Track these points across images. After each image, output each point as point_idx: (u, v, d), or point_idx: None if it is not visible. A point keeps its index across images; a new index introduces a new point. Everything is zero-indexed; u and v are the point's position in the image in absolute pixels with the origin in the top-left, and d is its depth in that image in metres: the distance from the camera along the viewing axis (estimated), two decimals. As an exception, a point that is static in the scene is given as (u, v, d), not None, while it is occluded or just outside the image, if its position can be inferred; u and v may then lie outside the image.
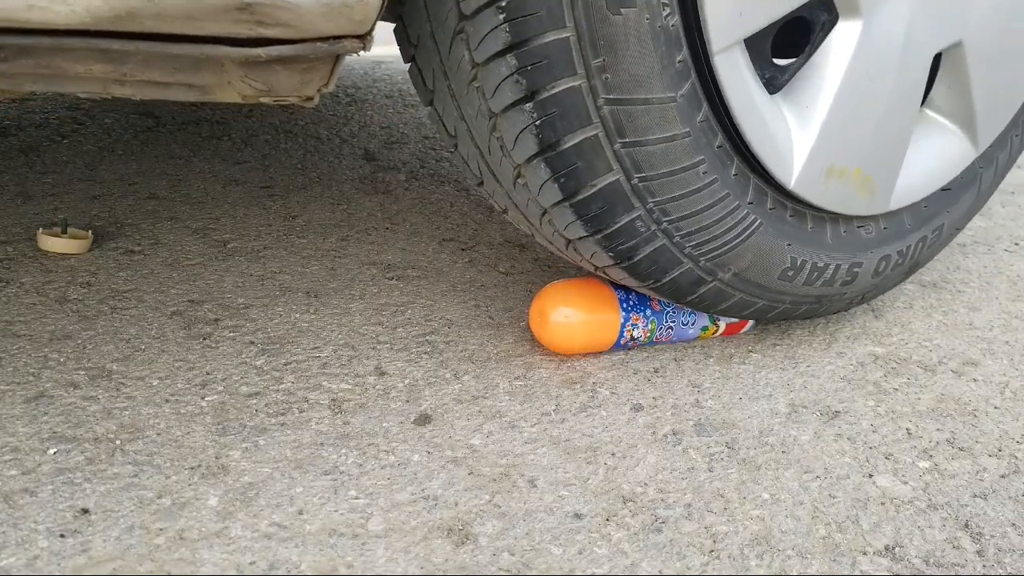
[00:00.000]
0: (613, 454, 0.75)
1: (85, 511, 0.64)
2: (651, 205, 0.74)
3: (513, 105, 0.68)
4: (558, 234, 0.79)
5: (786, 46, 0.84)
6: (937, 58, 0.87)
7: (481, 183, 0.83)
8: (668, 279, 0.81)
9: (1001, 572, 0.65)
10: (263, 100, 0.67)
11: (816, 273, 0.88)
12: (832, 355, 0.95)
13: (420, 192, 1.37)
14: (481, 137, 0.75)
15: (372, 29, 0.61)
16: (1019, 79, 0.93)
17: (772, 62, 0.79)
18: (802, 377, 0.90)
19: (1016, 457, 0.79)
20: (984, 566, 0.65)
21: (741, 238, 0.80)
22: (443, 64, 0.73)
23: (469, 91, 0.71)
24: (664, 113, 0.70)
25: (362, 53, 0.72)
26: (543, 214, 0.77)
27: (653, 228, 0.75)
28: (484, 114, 0.72)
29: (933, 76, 0.90)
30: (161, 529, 0.63)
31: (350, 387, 0.82)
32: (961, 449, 0.80)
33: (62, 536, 0.61)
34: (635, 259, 0.78)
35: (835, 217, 0.87)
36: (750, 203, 0.79)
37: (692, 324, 0.93)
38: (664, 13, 0.66)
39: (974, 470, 0.77)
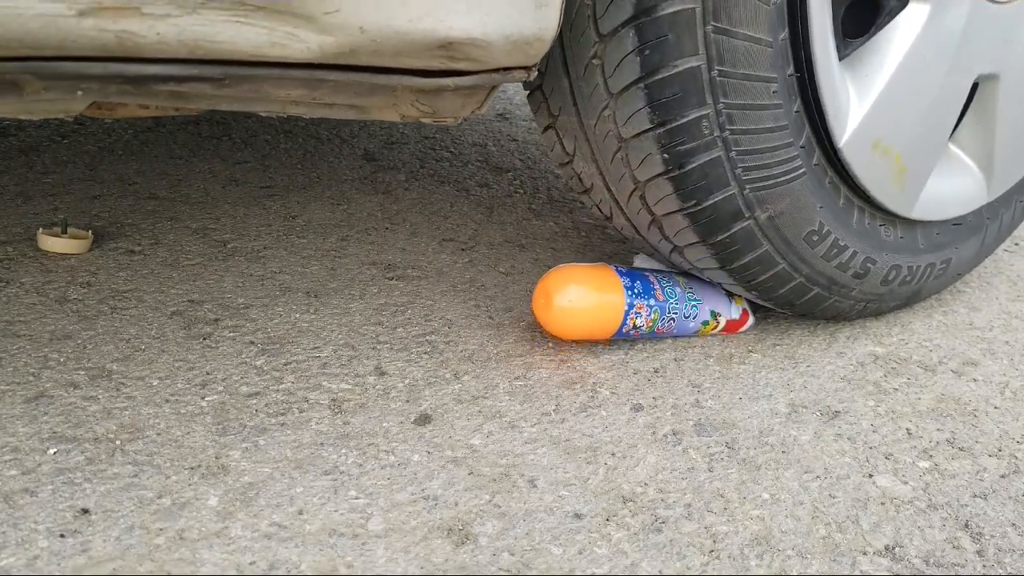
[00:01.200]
0: (613, 454, 0.75)
1: (85, 511, 0.64)
2: (721, 106, 0.74)
3: None
4: (613, 135, 0.79)
5: (851, 31, 0.88)
6: (972, 91, 0.92)
7: (540, 84, 0.83)
8: (711, 202, 0.79)
9: (1001, 572, 0.65)
10: (423, 120, 0.71)
11: (836, 250, 0.89)
12: (832, 355, 0.95)
13: (420, 192, 1.37)
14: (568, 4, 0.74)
15: (539, 62, 0.66)
16: None
17: (841, 35, 0.82)
18: (802, 377, 0.90)
19: (1016, 457, 0.79)
20: (984, 566, 0.65)
21: (786, 178, 0.81)
22: None
23: None
24: (757, 12, 0.72)
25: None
26: (605, 107, 0.77)
27: (715, 134, 0.76)
28: None
29: (964, 111, 0.94)
30: (161, 529, 0.63)
31: (350, 387, 0.82)
32: (961, 449, 0.80)
33: (62, 536, 0.61)
34: (687, 168, 0.77)
35: (863, 206, 0.90)
36: (802, 147, 0.81)
37: (693, 317, 0.93)
38: None
39: (974, 470, 0.77)
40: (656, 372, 0.89)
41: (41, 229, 1.06)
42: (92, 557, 0.60)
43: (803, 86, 0.79)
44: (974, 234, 1.03)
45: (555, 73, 0.80)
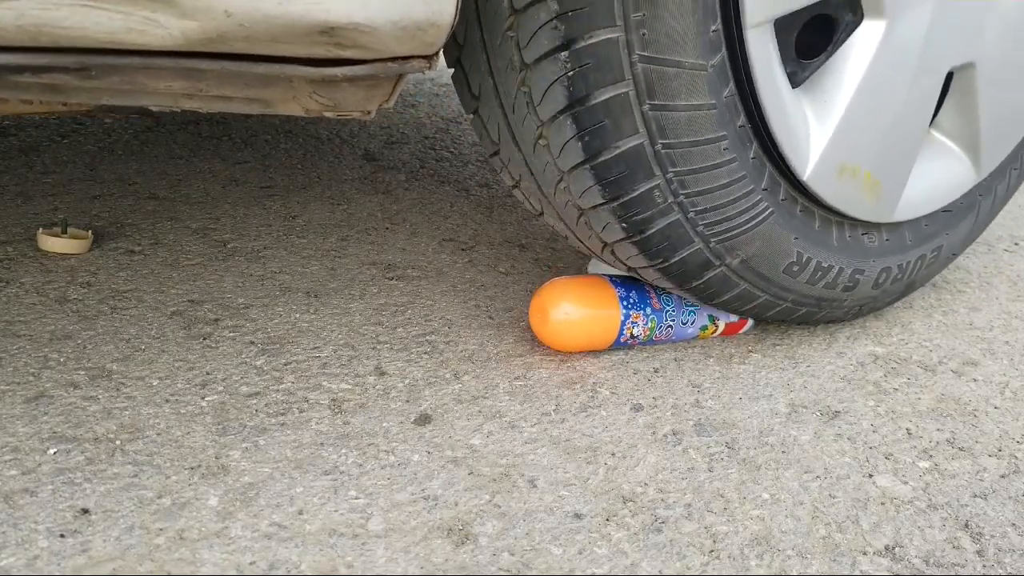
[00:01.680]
0: (613, 454, 0.75)
1: (85, 511, 0.64)
2: (671, 175, 0.74)
3: (547, 55, 0.68)
4: (572, 204, 0.79)
5: (807, 49, 0.85)
6: (948, 80, 0.88)
7: (497, 152, 0.83)
8: (678, 258, 0.80)
9: (1001, 572, 0.65)
10: (326, 114, 0.68)
11: (820, 273, 0.88)
12: (832, 355, 0.95)
13: (420, 192, 1.37)
14: (507, 93, 0.74)
15: (439, 51, 0.62)
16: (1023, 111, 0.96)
17: (795, 59, 0.80)
18: (802, 377, 0.90)
19: (1016, 457, 0.79)
20: (984, 566, 0.65)
21: (753, 223, 0.80)
22: (478, 14, 0.73)
23: (503, 41, 0.71)
24: (694, 80, 0.70)
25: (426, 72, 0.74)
26: (559, 180, 0.77)
27: (670, 200, 0.75)
28: (515, 67, 0.71)
29: (942, 99, 0.91)
30: (161, 529, 0.63)
31: (350, 387, 0.82)
32: (961, 449, 0.80)
33: (62, 536, 0.61)
34: (648, 233, 0.78)
35: (841, 221, 0.88)
36: (764, 189, 0.80)
37: (691, 323, 0.93)
38: None
39: (974, 470, 0.77)
40: (656, 372, 0.89)
41: (41, 229, 1.06)
42: (92, 557, 0.60)
43: (757, 132, 0.77)
44: (966, 215, 1.01)
45: (508, 146, 0.81)
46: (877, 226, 0.92)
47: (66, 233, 1.06)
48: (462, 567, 0.62)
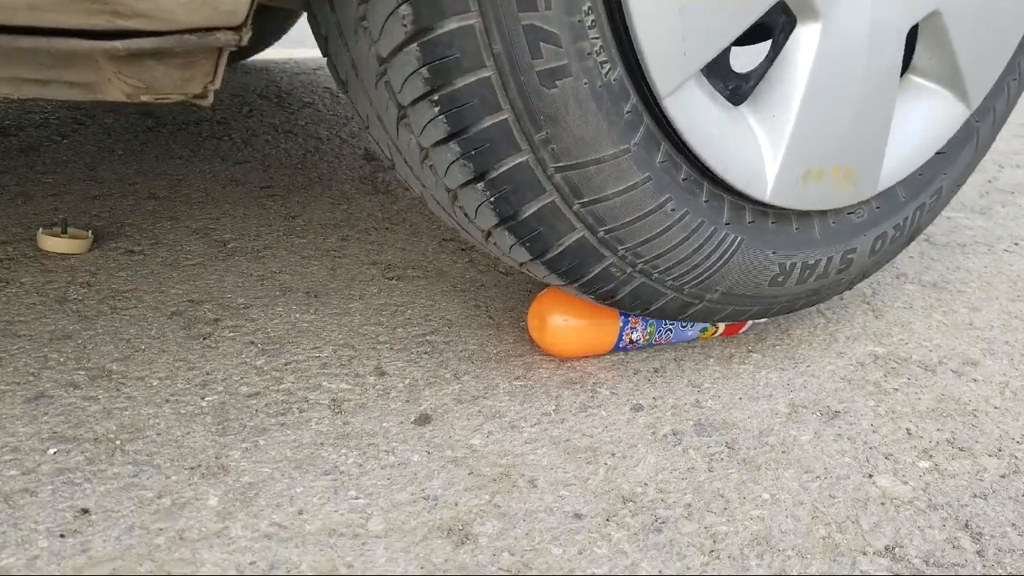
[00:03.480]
0: (613, 454, 0.75)
1: (85, 511, 0.64)
2: (622, 252, 0.74)
3: (465, 185, 0.68)
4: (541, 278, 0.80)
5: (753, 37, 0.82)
6: (914, 29, 0.82)
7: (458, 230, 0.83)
8: (656, 307, 0.81)
9: (1001, 572, 0.65)
10: (145, 98, 0.62)
11: (808, 271, 0.87)
12: (832, 355, 0.95)
13: (420, 192, 1.37)
14: (445, 204, 0.75)
15: (247, 21, 0.57)
16: (1006, 33, 0.88)
17: (733, 72, 0.77)
18: (802, 377, 0.90)
19: (1016, 457, 0.79)
20: (984, 566, 0.65)
21: (723, 260, 0.79)
22: (394, 143, 0.73)
23: (424, 169, 0.71)
24: (619, 167, 0.69)
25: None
26: (522, 264, 0.77)
27: (629, 271, 0.75)
28: (443, 187, 0.71)
29: (912, 44, 0.85)
30: (161, 529, 0.63)
31: (350, 387, 0.82)
32: (961, 449, 0.80)
33: (62, 536, 0.61)
34: (619, 297, 0.78)
35: (822, 211, 0.86)
36: (727, 224, 0.78)
37: (691, 326, 0.93)
38: (604, 71, 0.65)
39: (974, 470, 0.77)
40: (656, 372, 0.89)
41: (41, 229, 1.06)
42: (92, 557, 0.60)
43: (704, 175, 0.75)
44: (964, 146, 0.94)
45: (463, 234, 0.81)
46: (864, 201, 0.89)
47: (66, 233, 1.06)
48: (462, 567, 0.62)
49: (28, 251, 1.04)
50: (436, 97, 0.62)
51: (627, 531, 0.66)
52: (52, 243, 1.04)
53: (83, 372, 0.81)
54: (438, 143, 0.66)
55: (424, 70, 0.61)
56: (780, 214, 0.82)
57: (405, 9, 0.59)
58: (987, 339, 1.01)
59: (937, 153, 0.92)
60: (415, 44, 0.60)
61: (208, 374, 0.83)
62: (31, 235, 1.08)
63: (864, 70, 0.77)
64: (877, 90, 0.80)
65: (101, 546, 0.61)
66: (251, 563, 0.60)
